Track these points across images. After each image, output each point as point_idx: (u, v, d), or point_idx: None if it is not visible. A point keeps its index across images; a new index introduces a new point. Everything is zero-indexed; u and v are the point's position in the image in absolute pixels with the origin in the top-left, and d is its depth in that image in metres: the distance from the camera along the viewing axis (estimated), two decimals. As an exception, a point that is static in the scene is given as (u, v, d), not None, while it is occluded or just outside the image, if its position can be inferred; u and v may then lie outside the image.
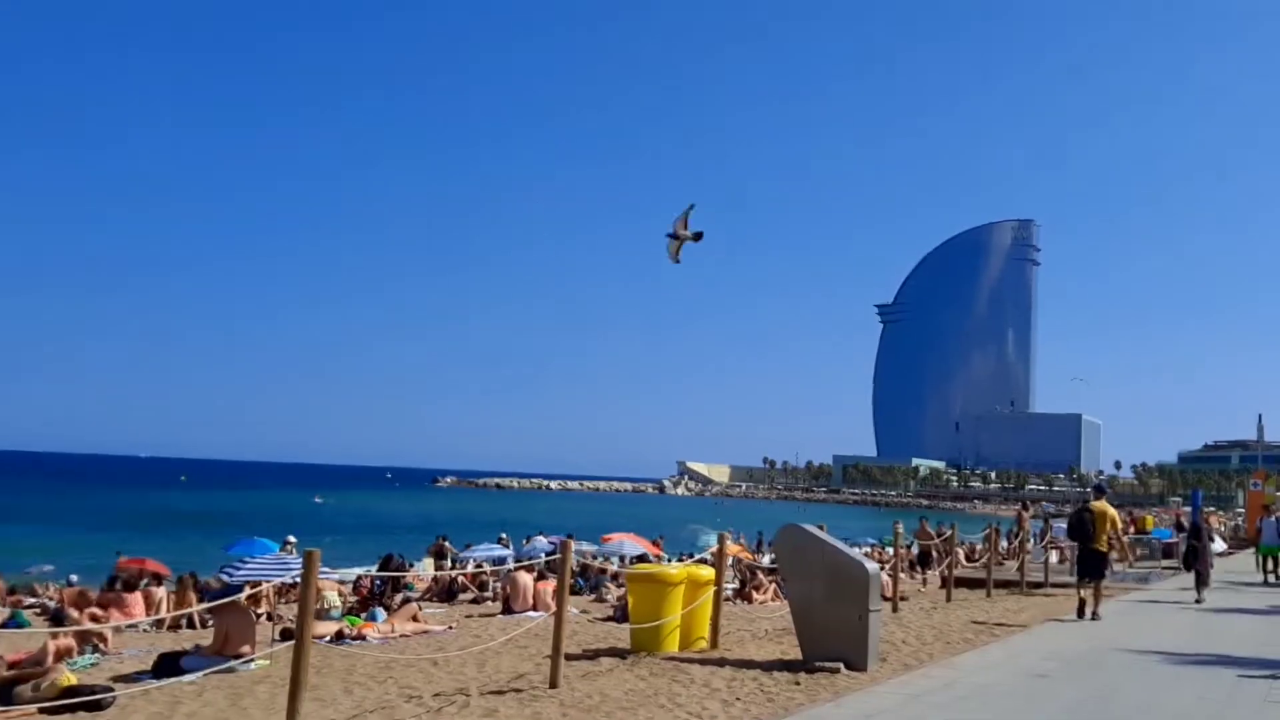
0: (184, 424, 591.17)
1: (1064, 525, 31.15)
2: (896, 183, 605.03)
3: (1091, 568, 16.86)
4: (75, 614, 17.95)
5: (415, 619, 17.82)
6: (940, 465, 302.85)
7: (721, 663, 11.71)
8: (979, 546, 35.80)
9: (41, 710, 9.77)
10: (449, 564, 30.34)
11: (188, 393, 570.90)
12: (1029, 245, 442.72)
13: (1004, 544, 34.93)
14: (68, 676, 10.70)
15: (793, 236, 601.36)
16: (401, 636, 16.40)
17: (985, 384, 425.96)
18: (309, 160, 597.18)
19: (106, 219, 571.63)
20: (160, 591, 20.69)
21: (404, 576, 23.78)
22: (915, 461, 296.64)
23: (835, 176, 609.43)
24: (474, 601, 23.39)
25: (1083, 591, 16.79)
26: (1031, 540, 29.80)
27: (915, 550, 32.26)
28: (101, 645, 15.22)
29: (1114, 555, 18.19)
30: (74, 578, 27.04)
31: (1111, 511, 17.41)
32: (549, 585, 19.84)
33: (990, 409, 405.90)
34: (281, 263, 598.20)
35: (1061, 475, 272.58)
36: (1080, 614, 16.48)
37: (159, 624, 18.55)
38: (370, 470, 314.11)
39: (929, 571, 29.35)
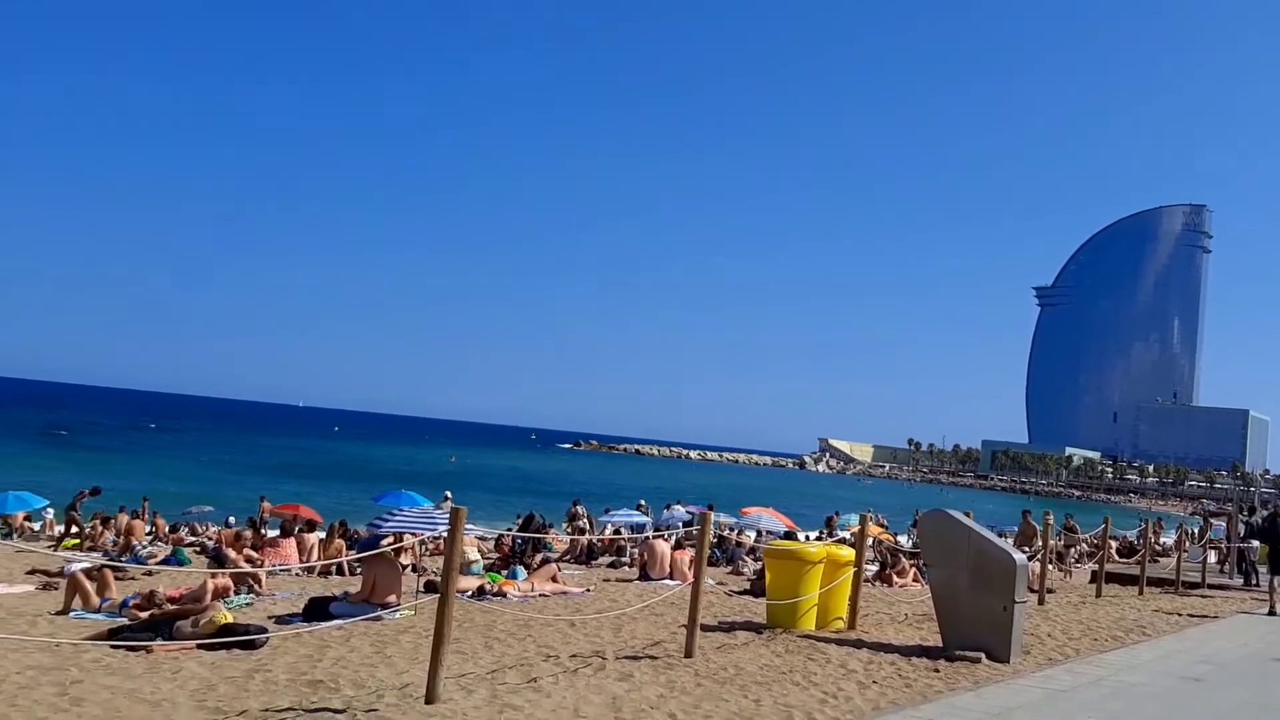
0: (342, 377, 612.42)
1: (1223, 525, 29.98)
2: (1064, 164, 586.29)
3: None
4: (233, 555, 18.78)
5: (554, 579, 18.11)
6: (1095, 455, 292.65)
7: (859, 644, 11.62)
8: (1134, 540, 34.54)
9: (199, 646, 10.24)
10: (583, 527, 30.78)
11: (348, 348, 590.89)
12: (1200, 232, 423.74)
13: (1167, 541, 33.72)
14: (225, 614, 11.18)
15: (954, 213, 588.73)
16: (540, 596, 16.69)
17: (1147, 374, 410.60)
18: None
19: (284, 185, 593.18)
20: (312, 538, 21.47)
21: (544, 537, 24.19)
22: (1068, 450, 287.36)
23: (1003, 155, 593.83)
24: (611, 566, 23.66)
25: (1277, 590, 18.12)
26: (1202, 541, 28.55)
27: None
28: (256, 586, 15.88)
29: None
30: (232, 519, 28.29)
31: None
32: (686, 555, 19.93)
33: (1151, 400, 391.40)
34: (439, 228, 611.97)
35: (1224, 472, 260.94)
36: (1272, 610, 17.84)
37: (309, 569, 19.28)
38: (514, 430, 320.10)
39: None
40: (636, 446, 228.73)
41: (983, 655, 10.97)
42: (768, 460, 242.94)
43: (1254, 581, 22.76)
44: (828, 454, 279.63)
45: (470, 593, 15.90)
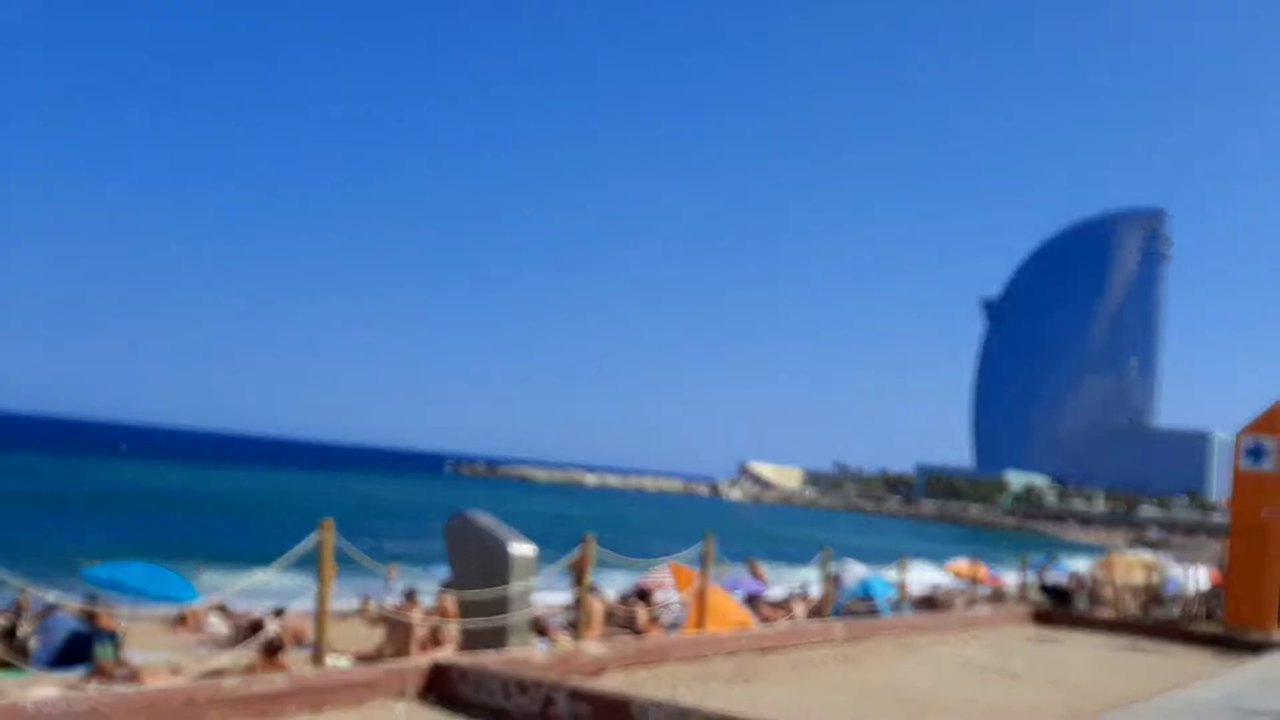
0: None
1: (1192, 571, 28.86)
2: (1011, 161, 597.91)
3: None
4: None
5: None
6: (1039, 480, 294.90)
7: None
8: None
9: None
10: None
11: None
12: (1159, 238, 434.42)
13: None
14: None
15: (892, 213, 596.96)
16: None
17: (1102, 393, 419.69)
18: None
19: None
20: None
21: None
22: (1009, 474, 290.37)
23: (945, 150, 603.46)
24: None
25: None
26: None
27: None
28: None
29: None
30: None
31: None
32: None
33: (1106, 421, 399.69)
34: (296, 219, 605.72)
35: (1183, 497, 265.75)
36: None
37: None
38: (425, 457, 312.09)
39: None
40: (523, 469, 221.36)
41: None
42: (678, 484, 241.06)
43: None
44: (745, 478, 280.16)
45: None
